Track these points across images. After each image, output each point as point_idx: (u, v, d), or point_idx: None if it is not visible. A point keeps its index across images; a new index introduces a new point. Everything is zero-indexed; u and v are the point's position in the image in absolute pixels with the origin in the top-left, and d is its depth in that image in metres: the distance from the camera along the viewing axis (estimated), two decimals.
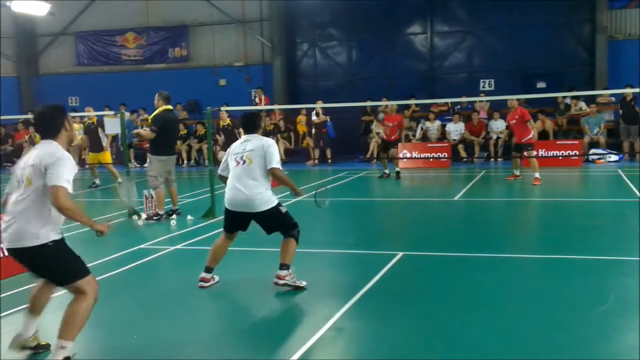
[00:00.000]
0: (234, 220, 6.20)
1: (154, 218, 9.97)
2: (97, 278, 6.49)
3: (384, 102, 18.03)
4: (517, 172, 13.57)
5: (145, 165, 17.18)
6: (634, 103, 16.48)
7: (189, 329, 5.13)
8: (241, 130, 7.02)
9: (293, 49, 22.87)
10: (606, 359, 4.35)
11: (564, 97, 17.79)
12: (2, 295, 6.06)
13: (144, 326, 5.30)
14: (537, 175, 12.80)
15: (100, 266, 6.91)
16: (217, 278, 6.32)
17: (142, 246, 8.23)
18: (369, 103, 17.94)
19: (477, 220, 10.04)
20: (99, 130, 14.51)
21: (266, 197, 6.03)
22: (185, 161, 20.10)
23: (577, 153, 16.26)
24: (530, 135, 13.21)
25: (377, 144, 18.31)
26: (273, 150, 6.07)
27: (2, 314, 5.51)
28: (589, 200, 11.44)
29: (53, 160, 4.20)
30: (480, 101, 18.70)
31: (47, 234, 4.30)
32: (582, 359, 4.29)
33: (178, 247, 8.22)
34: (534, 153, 13.71)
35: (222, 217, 9.36)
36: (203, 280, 6.21)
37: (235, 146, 6.26)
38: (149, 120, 10.54)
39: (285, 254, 6.04)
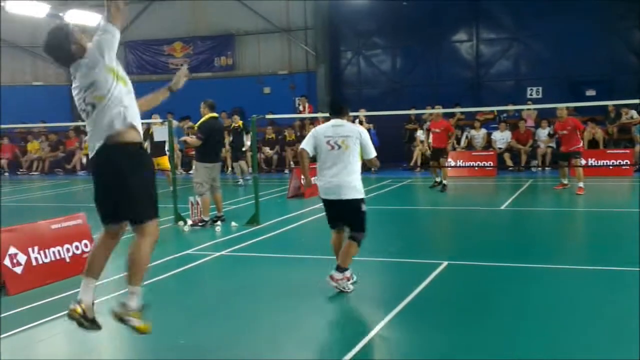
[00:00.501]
0: (332, 212, 6.29)
1: (199, 224, 10.11)
2: (144, 283, 6.65)
3: (428, 110, 17.92)
4: (565, 181, 13.27)
5: (191, 172, 17.43)
6: None
7: (233, 333, 5.17)
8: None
9: (337, 57, 22.94)
10: None
11: (615, 105, 17.33)
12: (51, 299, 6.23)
13: (190, 330, 5.37)
14: (581, 184, 12.47)
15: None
16: (354, 277, 6.34)
17: (188, 252, 8.35)
18: (413, 111, 17.87)
19: (523, 230, 9.86)
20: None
21: (358, 186, 6.16)
22: (230, 168, 20.32)
23: (629, 162, 15.80)
24: (580, 144, 12.97)
25: (422, 152, 18.20)
26: (369, 138, 6.25)
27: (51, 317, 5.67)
28: (638, 211, 11.10)
29: None
30: (527, 109, 18.38)
31: None
32: None
33: (223, 253, 8.31)
34: (583, 162, 13.39)
35: (266, 224, 9.45)
36: (332, 279, 6.05)
37: (326, 128, 6.23)
38: (195, 128, 10.73)
39: (346, 256, 6.09)
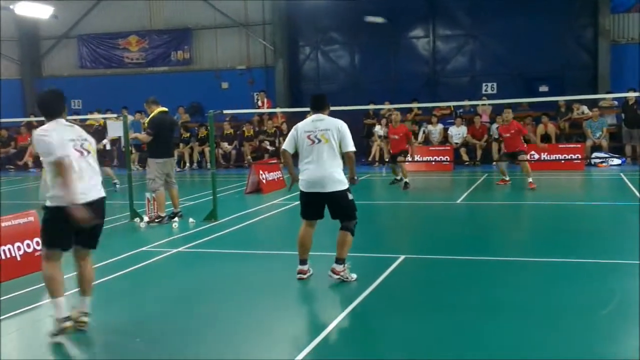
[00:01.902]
0: (310, 205, 6.32)
1: (156, 220, 9.98)
2: (98, 281, 6.53)
3: (386, 106, 18.05)
4: (507, 178, 13.30)
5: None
6: (636, 107, 16.47)
7: (191, 330, 5.13)
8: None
9: (295, 52, 22.91)
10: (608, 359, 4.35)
11: (566, 101, 17.77)
12: (2, 298, 6.08)
13: (146, 328, 5.30)
14: (530, 179, 12.63)
15: (101, 269, 6.92)
16: (311, 270, 6.46)
17: (143, 249, 8.24)
18: (371, 106, 17.97)
19: (479, 223, 10.04)
20: None
21: (340, 177, 6.23)
22: (188, 164, 20.13)
23: (580, 157, 16.24)
24: (524, 147, 13.30)
25: (380, 147, 18.34)
26: (348, 132, 6.31)
27: (2, 317, 5.53)
28: (591, 204, 11.42)
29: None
30: (482, 105, 18.70)
31: None
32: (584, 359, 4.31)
33: (180, 249, 8.22)
34: (526, 157, 13.56)
35: (223, 220, 9.41)
36: (301, 272, 6.37)
37: (305, 124, 6.38)
38: (145, 124, 10.60)
39: (342, 247, 6.23)
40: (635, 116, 16.42)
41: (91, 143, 5.26)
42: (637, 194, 11.39)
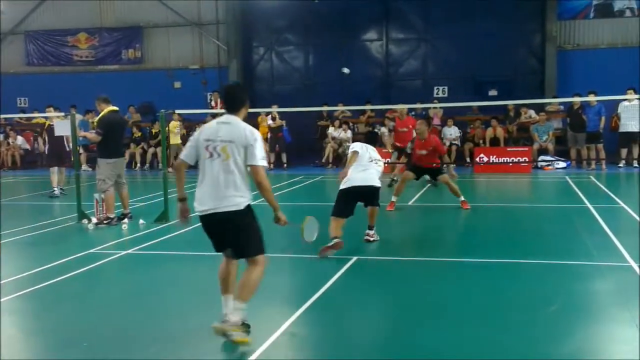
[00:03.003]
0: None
1: (105, 222, 9.78)
2: (44, 284, 6.37)
3: (340, 107, 18.17)
4: (394, 199, 11.04)
5: None
6: (581, 111, 16.98)
7: (140, 334, 5.04)
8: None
9: (249, 52, 22.81)
10: (552, 359, 4.46)
11: (515, 105, 18.21)
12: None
13: (94, 332, 5.18)
14: (462, 198, 11.00)
15: (47, 271, 6.74)
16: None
17: (91, 251, 8.05)
18: (325, 108, 18.04)
19: (429, 225, 10.18)
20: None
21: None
22: (139, 164, 19.80)
23: (527, 160, 16.65)
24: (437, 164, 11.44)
25: (333, 149, 18.41)
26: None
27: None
28: (537, 206, 11.73)
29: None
30: (434, 108, 18.99)
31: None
32: (529, 359, 4.40)
33: (129, 251, 8.07)
34: (445, 175, 11.32)
35: (174, 221, 9.29)
36: (373, 234, 8.24)
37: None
38: (95, 123, 10.39)
39: (373, 218, 8.20)
40: (580, 120, 16.93)
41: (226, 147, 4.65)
42: (582, 196, 11.74)
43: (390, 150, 15.53)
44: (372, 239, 8.17)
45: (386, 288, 6.31)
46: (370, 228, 8.23)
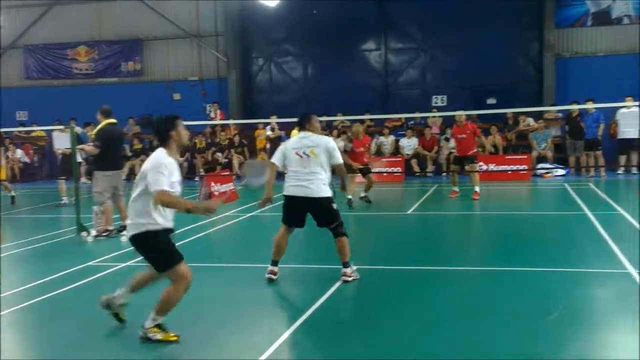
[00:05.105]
0: (296, 210, 6.73)
1: (103, 234, 9.78)
2: (42, 297, 6.37)
3: (339, 117, 18.20)
4: (457, 189, 13.36)
5: None
6: (579, 119, 17.01)
7: (137, 347, 5.03)
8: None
9: (249, 63, 22.89)
10: None
11: (513, 113, 18.25)
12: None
13: (90, 346, 5.18)
14: (477, 189, 12.80)
15: (45, 284, 6.74)
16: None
17: (90, 263, 8.05)
18: (324, 118, 18.03)
19: (429, 233, 10.18)
20: None
21: (326, 187, 6.66)
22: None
23: (526, 167, 16.66)
24: (475, 150, 13.28)
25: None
26: (335, 147, 6.80)
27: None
28: (537, 214, 11.72)
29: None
30: (432, 117, 19.03)
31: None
32: None
33: (128, 264, 8.05)
34: (477, 166, 13.68)
35: (175, 232, 9.28)
36: (271, 272, 6.79)
37: (293, 142, 6.83)
38: (93, 136, 10.41)
39: (343, 251, 6.73)
40: (578, 128, 16.96)
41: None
42: (581, 204, 11.73)
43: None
44: (349, 279, 6.66)
45: (384, 297, 6.29)
46: (344, 265, 6.73)
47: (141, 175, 5.03)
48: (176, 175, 5.08)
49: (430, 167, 18.29)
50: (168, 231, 5.16)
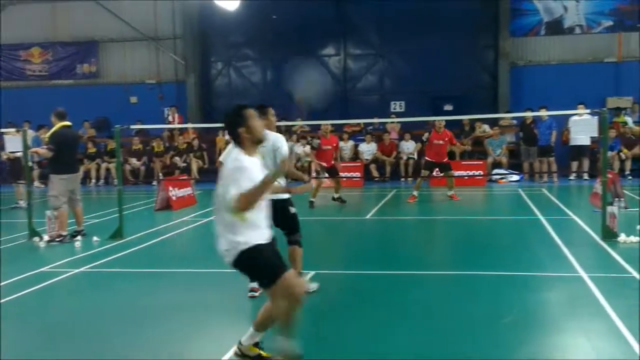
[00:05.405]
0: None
1: (57, 240, 9.56)
2: None
3: (298, 122, 18.20)
4: (416, 193, 13.64)
5: None
6: (533, 126, 17.40)
7: (90, 356, 4.93)
8: None
9: (207, 67, 22.73)
10: None
11: (470, 120, 18.56)
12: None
13: (43, 354, 5.05)
14: (454, 191, 13.58)
15: None
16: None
17: (42, 269, 7.86)
18: (283, 123, 18.02)
19: (387, 238, 10.26)
20: None
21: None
22: (94, 180, 19.45)
23: (482, 173, 16.96)
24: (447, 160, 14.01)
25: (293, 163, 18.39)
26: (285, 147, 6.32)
27: None
28: (492, 219, 11.95)
29: None
30: (391, 122, 19.21)
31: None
32: None
33: (82, 269, 7.90)
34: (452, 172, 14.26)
35: (131, 238, 9.15)
36: (253, 290, 6.28)
37: None
38: (47, 139, 10.19)
39: (295, 262, 6.28)
40: (532, 135, 17.34)
41: None
42: (534, 208, 12.00)
43: (319, 169, 15.42)
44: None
45: (345, 302, 6.31)
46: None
47: (222, 183, 4.25)
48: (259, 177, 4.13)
49: (388, 172, 18.44)
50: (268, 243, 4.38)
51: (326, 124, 17.42)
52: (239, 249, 4.19)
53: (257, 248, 4.21)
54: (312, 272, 7.24)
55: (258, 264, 4.25)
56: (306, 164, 17.73)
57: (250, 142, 4.29)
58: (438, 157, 13.54)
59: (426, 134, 13.82)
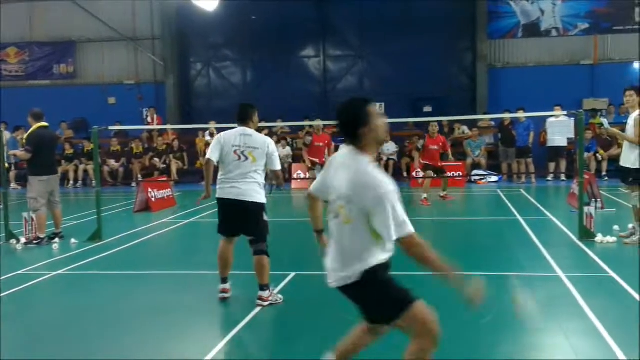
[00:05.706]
0: (227, 217, 6.12)
1: (34, 242, 9.45)
2: None
3: (279, 124, 18.19)
4: (426, 195, 13.68)
5: None
6: (511, 127, 17.59)
7: (69, 357, 4.88)
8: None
9: (187, 68, 22.61)
10: None
11: (449, 121, 18.69)
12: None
13: (20, 357, 4.99)
14: (446, 192, 13.94)
15: None
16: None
17: (20, 272, 7.76)
18: (263, 124, 17.96)
19: None
20: None
21: (260, 192, 6.13)
22: (72, 182, 19.24)
23: (461, 174, 17.09)
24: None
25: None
26: (275, 150, 6.29)
27: None
28: (471, 219, 12.03)
29: None
30: None
31: None
32: None
33: (60, 272, 7.81)
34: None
35: (109, 240, 9.08)
36: (223, 291, 6.20)
37: (232, 137, 6.17)
38: (24, 140, 10.07)
39: (263, 272, 6.04)
40: (510, 136, 17.53)
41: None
42: (512, 209, 12.12)
43: (309, 166, 15.70)
44: (265, 303, 5.99)
45: (324, 301, 6.31)
46: (262, 288, 6.06)
47: (348, 199, 3.48)
48: None
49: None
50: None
51: (306, 124, 17.51)
52: (365, 268, 3.62)
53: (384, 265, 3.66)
54: (293, 274, 7.25)
55: (386, 291, 3.64)
56: (286, 165, 17.71)
57: (373, 145, 3.63)
58: (434, 161, 13.91)
59: (420, 141, 14.03)
